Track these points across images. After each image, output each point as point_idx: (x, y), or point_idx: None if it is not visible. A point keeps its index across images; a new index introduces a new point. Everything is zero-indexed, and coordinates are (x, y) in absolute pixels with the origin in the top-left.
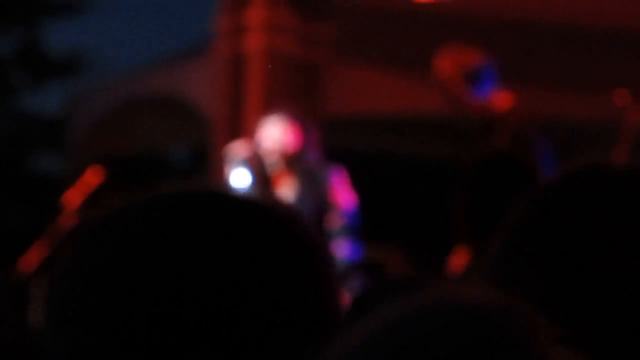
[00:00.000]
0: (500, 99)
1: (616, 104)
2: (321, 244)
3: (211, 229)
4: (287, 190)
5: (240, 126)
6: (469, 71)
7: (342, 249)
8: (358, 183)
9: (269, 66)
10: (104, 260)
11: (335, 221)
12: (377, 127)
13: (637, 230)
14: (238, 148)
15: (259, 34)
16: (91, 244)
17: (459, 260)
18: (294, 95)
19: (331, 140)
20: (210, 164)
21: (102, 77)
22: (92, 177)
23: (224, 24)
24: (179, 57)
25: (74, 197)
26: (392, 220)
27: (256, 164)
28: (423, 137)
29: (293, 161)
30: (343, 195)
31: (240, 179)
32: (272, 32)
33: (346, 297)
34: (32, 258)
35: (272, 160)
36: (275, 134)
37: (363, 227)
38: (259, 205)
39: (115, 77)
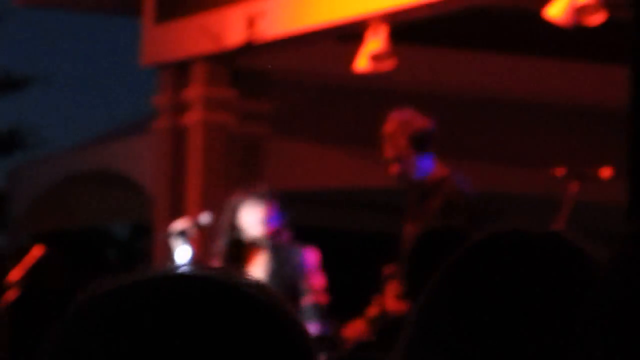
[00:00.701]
0: (437, 167)
1: (555, 177)
2: (299, 321)
3: (193, 313)
4: (258, 268)
5: (182, 200)
6: (417, 134)
7: (312, 327)
8: None
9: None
10: (92, 344)
11: (306, 300)
12: (315, 201)
13: (544, 291)
14: (177, 223)
15: (198, 110)
16: (79, 327)
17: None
18: (233, 169)
19: None
20: (152, 238)
21: (43, 153)
22: (35, 253)
23: (164, 100)
24: (119, 133)
25: (17, 272)
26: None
27: (197, 238)
28: (361, 210)
29: (268, 239)
30: (314, 274)
31: (181, 253)
32: (211, 107)
33: None
34: None
35: (252, 237)
36: (257, 212)
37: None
38: (240, 287)
39: (57, 153)
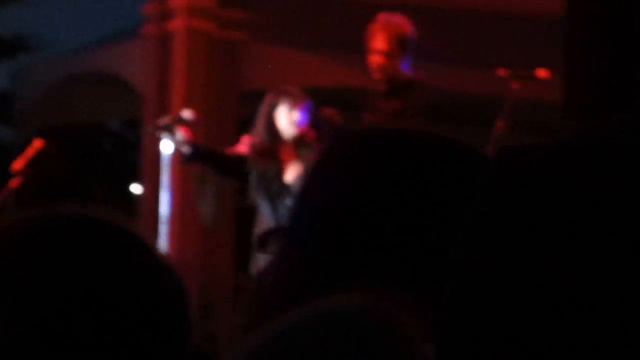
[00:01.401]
0: (413, 71)
1: (499, 78)
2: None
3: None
4: (293, 167)
5: (168, 98)
6: (404, 36)
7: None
8: None
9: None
10: None
11: None
12: None
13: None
14: (162, 119)
15: (182, 17)
16: None
17: None
18: (214, 71)
19: (247, 112)
20: (141, 134)
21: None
22: (35, 145)
23: (151, 8)
24: (114, 38)
25: (20, 163)
26: None
27: (188, 128)
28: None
29: (299, 139)
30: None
31: (165, 145)
32: (193, 15)
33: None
34: None
35: (286, 137)
36: (289, 113)
37: None
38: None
39: (58, 56)
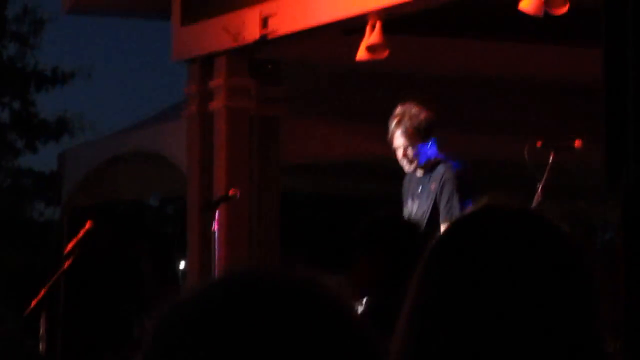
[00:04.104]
0: (437, 152)
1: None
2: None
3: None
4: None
5: (210, 175)
6: (422, 125)
7: None
8: (309, 220)
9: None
10: (183, 342)
11: None
12: (328, 171)
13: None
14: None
15: (222, 97)
16: (173, 326)
17: None
18: (254, 147)
19: (288, 186)
20: (184, 210)
21: (89, 137)
22: (86, 226)
23: (192, 90)
24: (156, 119)
25: (69, 242)
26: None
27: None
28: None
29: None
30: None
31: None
32: (233, 95)
33: None
34: (38, 295)
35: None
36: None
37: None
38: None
39: (101, 137)
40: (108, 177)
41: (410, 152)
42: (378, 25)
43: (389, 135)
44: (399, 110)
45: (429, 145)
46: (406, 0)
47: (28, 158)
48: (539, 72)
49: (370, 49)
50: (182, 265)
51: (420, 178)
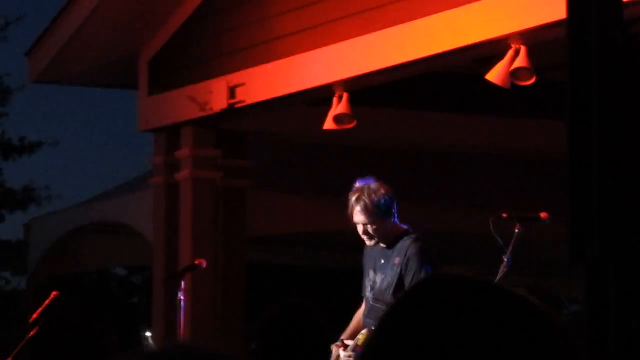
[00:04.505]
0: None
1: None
2: None
3: None
4: None
5: (176, 244)
6: (382, 203)
7: None
8: (273, 291)
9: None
10: None
11: None
12: (289, 243)
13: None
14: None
15: (188, 168)
16: None
17: None
18: (219, 217)
19: (253, 258)
20: (149, 277)
21: (56, 207)
22: (52, 296)
23: (159, 160)
24: (121, 189)
25: (36, 313)
26: None
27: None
28: (328, 250)
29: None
30: None
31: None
32: (199, 165)
33: None
34: None
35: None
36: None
37: None
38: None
39: (68, 207)
40: (74, 247)
41: (370, 228)
42: (345, 96)
43: (349, 211)
44: (358, 186)
45: (390, 220)
46: (371, 71)
47: None
48: (505, 144)
49: (338, 119)
50: (148, 334)
51: (382, 250)
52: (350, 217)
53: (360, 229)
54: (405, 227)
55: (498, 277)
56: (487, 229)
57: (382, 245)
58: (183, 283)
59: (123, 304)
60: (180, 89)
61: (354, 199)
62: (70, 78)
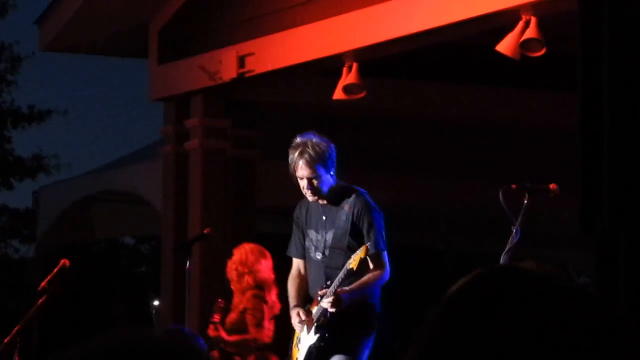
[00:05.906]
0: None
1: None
2: None
3: None
4: None
5: (185, 214)
6: (326, 157)
7: None
8: (283, 261)
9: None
10: None
11: None
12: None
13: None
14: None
15: (197, 137)
16: None
17: None
18: (228, 187)
19: (262, 227)
20: (159, 249)
21: (65, 176)
22: (62, 264)
23: (169, 130)
24: (131, 159)
25: (42, 280)
26: None
27: None
28: None
29: None
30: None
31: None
32: (208, 135)
33: None
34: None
35: None
36: None
37: None
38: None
39: (77, 176)
40: (83, 216)
41: (315, 181)
42: (355, 66)
43: (292, 167)
44: (299, 140)
45: (332, 173)
46: (381, 41)
47: (3, 195)
48: (516, 116)
49: (347, 89)
50: (156, 303)
51: (322, 207)
52: (292, 174)
53: (303, 183)
54: (345, 183)
55: (506, 248)
56: (497, 200)
57: (321, 202)
58: (192, 252)
59: (131, 273)
60: (190, 59)
61: (296, 153)
62: (80, 47)
